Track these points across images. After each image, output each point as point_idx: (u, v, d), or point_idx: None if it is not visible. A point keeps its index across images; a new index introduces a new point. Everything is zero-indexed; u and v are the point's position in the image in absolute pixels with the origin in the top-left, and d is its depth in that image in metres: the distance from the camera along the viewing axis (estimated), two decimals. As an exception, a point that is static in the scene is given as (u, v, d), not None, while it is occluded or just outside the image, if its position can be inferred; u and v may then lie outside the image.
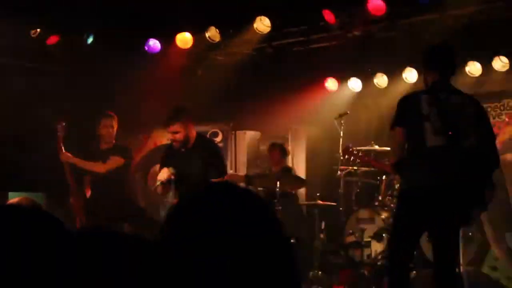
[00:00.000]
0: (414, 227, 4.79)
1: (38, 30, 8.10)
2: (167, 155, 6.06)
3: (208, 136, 8.89)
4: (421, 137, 4.61)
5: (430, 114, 4.62)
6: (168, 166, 5.92)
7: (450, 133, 4.58)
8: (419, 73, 8.37)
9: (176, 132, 5.78)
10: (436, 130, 4.60)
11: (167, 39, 8.93)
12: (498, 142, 7.16)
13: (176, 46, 8.85)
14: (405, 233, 4.81)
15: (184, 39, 8.71)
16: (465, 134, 4.64)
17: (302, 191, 9.08)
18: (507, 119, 7.35)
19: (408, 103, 4.79)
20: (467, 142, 4.63)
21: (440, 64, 4.81)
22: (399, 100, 4.88)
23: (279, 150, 8.23)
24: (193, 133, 5.90)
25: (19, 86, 8.07)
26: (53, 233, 1.26)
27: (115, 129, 7.22)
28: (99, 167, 7.03)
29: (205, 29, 8.64)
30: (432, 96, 4.71)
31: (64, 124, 7.23)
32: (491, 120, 7.41)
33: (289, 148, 8.56)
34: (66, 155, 7.04)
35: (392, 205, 7.50)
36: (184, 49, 8.90)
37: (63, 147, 7.07)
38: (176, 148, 5.91)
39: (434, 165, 4.61)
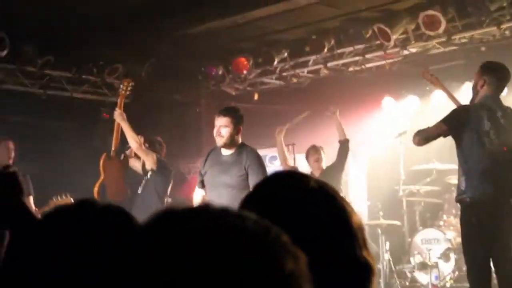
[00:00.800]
0: (483, 239, 4.87)
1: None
2: (209, 157, 5.89)
3: (267, 159, 8.90)
4: (481, 152, 4.92)
5: (489, 131, 4.95)
6: (207, 169, 5.83)
7: (505, 149, 4.94)
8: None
9: (223, 126, 5.63)
10: (494, 146, 4.93)
11: (225, 64, 9.05)
12: None
13: (233, 71, 8.96)
14: (478, 247, 4.88)
15: (241, 63, 8.80)
16: None
17: (363, 211, 8.97)
18: None
19: (468, 115, 5.06)
20: None
21: (501, 82, 5.17)
22: (458, 106, 5.25)
23: (314, 153, 8.03)
24: (239, 138, 5.74)
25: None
26: (128, 227, 1.30)
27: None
28: (134, 142, 6.79)
29: (260, 54, 8.72)
30: (491, 113, 5.03)
31: (130, 82, 7.28)
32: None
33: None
34: (121, 114, 6.92)
35: (458, 224, 7.34)
36: (240, 73, 8.99)
37: (122, 105, 7.04)
38: (219, 146, 5.73)
39: (492, 179, 4.88)
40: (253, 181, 5.54)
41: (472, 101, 5.27)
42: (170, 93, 9.60)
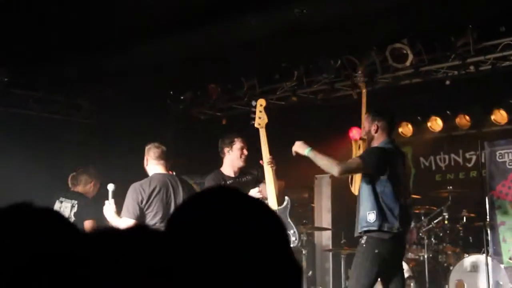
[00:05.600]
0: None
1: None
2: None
3: (233, 185, 8.95)
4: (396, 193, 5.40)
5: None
6: None
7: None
8: (446, 121, 8.52)
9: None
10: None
11: (194, 90, 9.04)
12: None
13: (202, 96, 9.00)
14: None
15: (211, 89, 8.89)
16: None
17: (327, 237, 9.05)
18: None
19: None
20: None
21: (391, 125, 5.58)
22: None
23: None
24: None
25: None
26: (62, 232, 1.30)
27: None
28: None
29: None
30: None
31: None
32: None
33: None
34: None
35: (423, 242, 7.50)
36: (210, 99, 9.05)
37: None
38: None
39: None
40: None
41: (368, 145, 5.53)
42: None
